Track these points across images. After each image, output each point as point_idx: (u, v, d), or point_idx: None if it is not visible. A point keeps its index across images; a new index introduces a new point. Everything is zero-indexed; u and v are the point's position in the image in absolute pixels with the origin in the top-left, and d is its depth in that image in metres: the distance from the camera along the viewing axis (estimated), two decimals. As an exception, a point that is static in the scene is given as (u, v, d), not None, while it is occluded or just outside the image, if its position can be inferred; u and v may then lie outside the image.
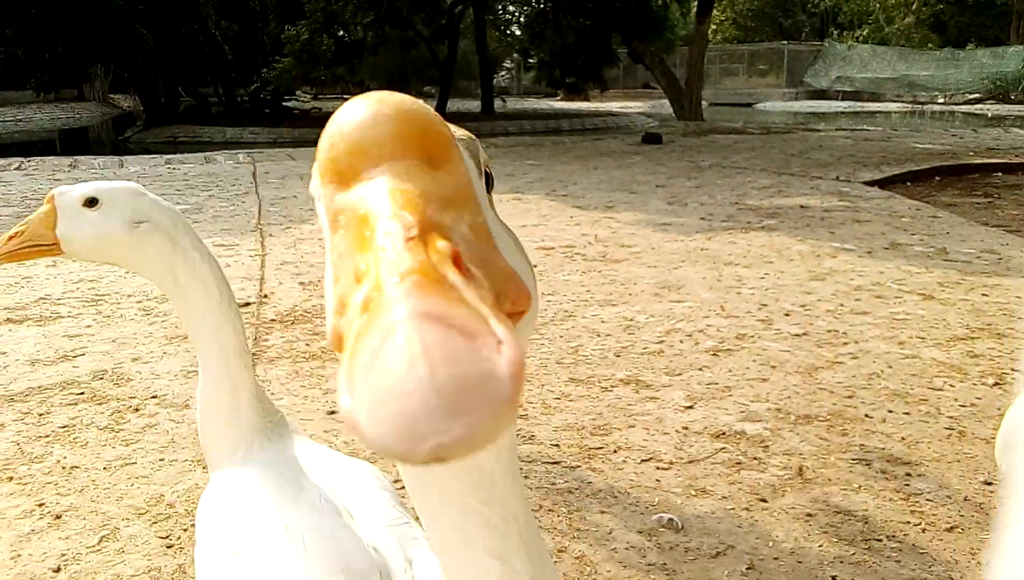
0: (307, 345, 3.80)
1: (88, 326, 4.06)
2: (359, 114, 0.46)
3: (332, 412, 3.08)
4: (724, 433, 2.91)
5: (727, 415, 3.05)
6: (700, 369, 3.47)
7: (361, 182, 0.43)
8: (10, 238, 1.15)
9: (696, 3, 20.68)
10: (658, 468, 2.66)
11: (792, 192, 8.39)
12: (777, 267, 5.26)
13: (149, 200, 1.22)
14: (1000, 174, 10.23)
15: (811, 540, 2.26)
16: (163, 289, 1.25)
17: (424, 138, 0.45)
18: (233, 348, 1.19)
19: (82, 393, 3.25)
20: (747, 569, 2.13)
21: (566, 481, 2.58)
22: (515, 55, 32.49)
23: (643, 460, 2.71)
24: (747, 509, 2.41)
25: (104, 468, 2.65)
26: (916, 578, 2.10)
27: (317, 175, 0.48)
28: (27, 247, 1.14)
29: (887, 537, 2.26)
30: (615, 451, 2.77)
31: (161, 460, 2.71)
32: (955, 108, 29.80)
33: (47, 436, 2.88)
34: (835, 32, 37.64)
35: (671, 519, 2.33)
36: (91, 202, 1.16)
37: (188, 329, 1.21)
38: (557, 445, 2.82)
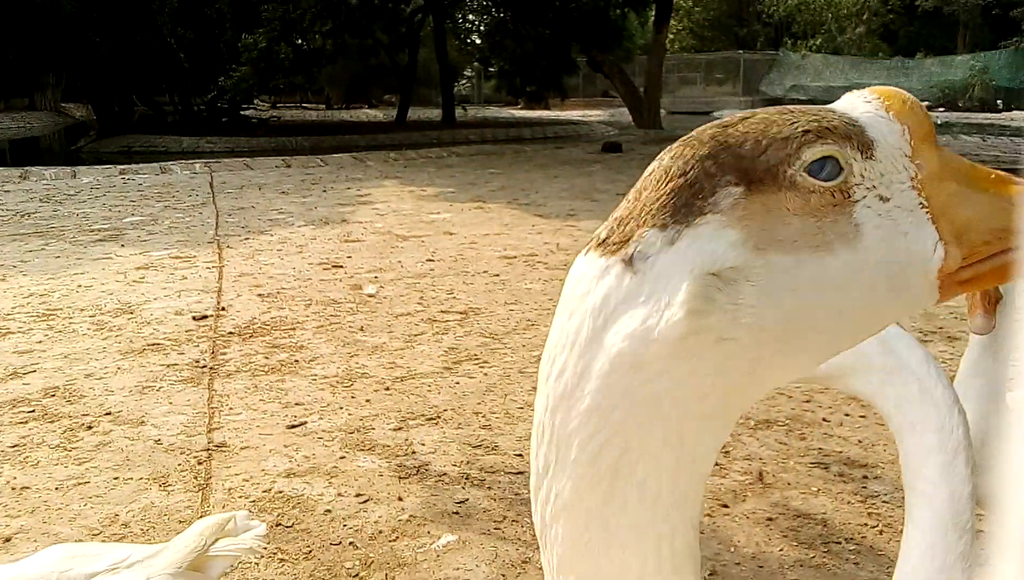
0: (266, 358, 3.74)
1: (39, 342, 3.95)
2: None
3: (292, 426, 3.04)
4: (686, 439, 2.93)
5: (688, 421, 3.08)
6: (661, 376, 3.50)
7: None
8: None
9: (654, 13, 20.97)
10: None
11: (749, 199, 8.54)
12: (735, 273, 5.35)
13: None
14: (948, 180, 10.52)
15: (772, 544, 2.29)
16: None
17: None
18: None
19: (33, 411, 3.16)
20: (709, 575, 2.15)
21: (529, 491, 2.58)
22: (475, 64, 32.55)
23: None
24: (709, 515, 2.44)
25: (56, 488, 2.58)
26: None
27: (833, 151, 0.49)
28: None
29: (846, 539, 2.31)
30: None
31: (115, 479, 2.64)
32: (904, 116, 30.58)
33: (-5, 457, 2.79)
34: (789, 42, 38.47)
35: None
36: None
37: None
38: (520, 455, 2.82)
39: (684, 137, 0.52)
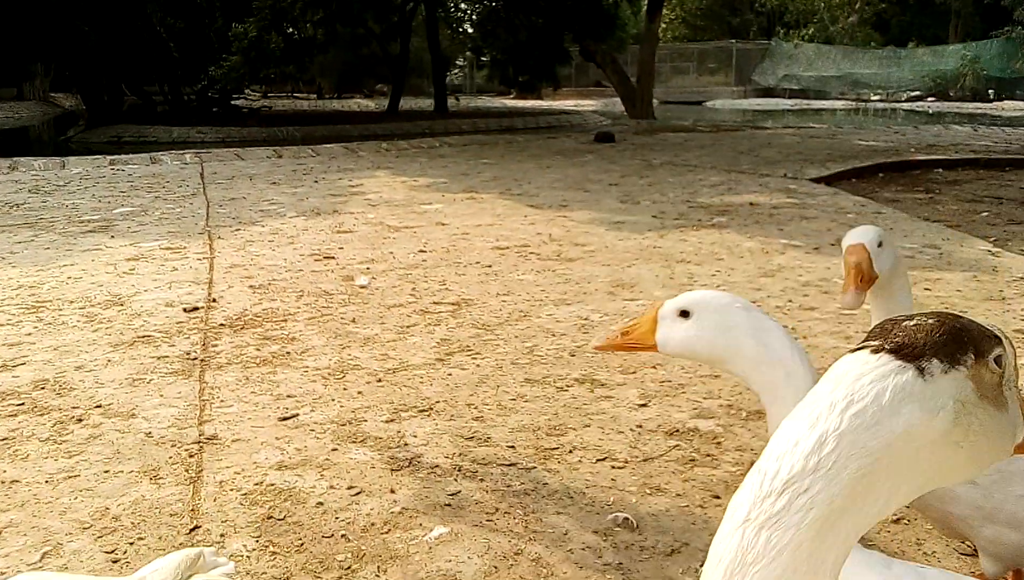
0: (257, 350, 3.73)
1: (28, 334, 3.92)
2: None
3: (284, 418, 3.03)
4: (678, 430, 2.94)
5: (680, 412, 3.09)
6: (653, 367, 3.51)
7: None
8: (623, 334, 1.40)
9: (646, 2, 20.90)
10: (613, 467, 2.68)
11: (742, 189, 8.54)
12: (728, 264, 5.35)
13: (739, 315, 1.35)
14: (940, 170, 10.57)
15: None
16: (753, 389, 1.38)
17: None
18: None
19: (22, 403, 3.14)
20: (702, 567, 2.16)
21: (522, 483, 2.58)
22: (468, 53, 32.40)
23: (598, 460, 2.73)
24: (701, 506, 2.45)
25: (46, 481, 2.57)
26: None
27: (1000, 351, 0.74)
28: (633, 345, 1.40)
29: (835, 529, 2.32)
30: (571, 451, 2.79)
31: (106, 472, 2.63)
32: (897, 105, 30.75)
33: (-16, 450, 2.77)
34: (782, 31, 38.43)
35: (626, 518, 2.35)
36: (684, 314, 1.35)
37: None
38: (513, 446, 2.82)
39: (941, 312, 0.75)
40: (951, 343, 0.70)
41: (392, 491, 2.53)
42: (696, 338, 1.35)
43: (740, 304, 1.38)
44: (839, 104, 31.63)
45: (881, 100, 32.28)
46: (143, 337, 3.89)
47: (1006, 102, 28.57)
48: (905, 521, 2.36)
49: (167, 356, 3.65)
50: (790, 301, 4.48)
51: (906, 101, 31.51)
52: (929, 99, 31.41)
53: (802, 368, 1.34)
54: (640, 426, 2.97)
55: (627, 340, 1.40)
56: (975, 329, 0.72)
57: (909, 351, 0.68)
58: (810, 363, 1.36)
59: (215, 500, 2.47)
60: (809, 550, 0.62)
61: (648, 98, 20.29)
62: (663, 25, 30.17)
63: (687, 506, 2.44)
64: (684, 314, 1.36)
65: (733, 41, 37.83)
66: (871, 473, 0.64)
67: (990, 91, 30.42)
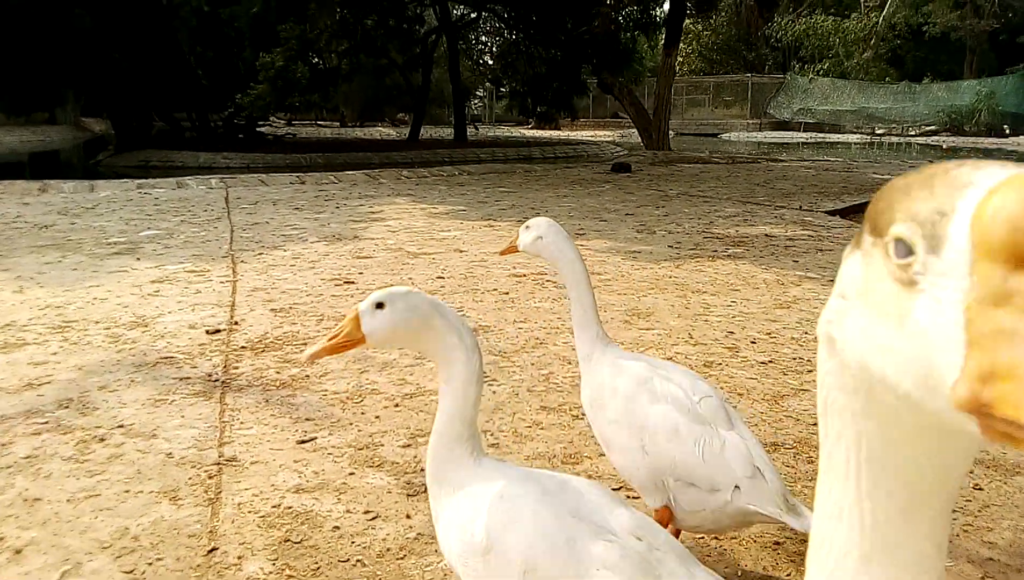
0: (277, 373, 3.78)
1: (54, 353, 4.00)
2: None
3: (302, 441, 3.06)
4: (693, 461, 2.94)
5: (696, 443, 3.08)
6: (670, 397, 3.51)
7: None
8: (331, 339, 1.56)
9: (664, 36, 21.13)
10: (628, 496, 2.68)
11: (757, 221, 8.56)
12: (743, 295, 5.36)
13: (420, 298, 1.58)
14: (958, 205, 10.52)
15: (779, 569, 2.29)
16: (436, 360, 1.61)
17: None
18: (471, 399, 1.59)
19: (46, 422, 3.19)
20: (716, 597, 2.15)
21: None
22: (487, 84, 32.81)
23: (614, 489, 2.73)
24: (716, 538, 2.44)
25: (68, 500, 2.61)
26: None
27: (905, 234, 0.52)
28: (343, 344, 1.57)
29: (852, 564, 2.30)
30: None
31: (127, 492, 2.67)
32: (912, 140, 30.72)
33: (9, 467, 2.82)
34: (797, 65, 38.64)
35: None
36: (379, 306, 1.56)
37: (442, 383, 1.61)
38: (529, 474, 2.83)
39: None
40: (864, 221, 0.58)
41: (408, 516, 2.55)
42: (393, 321, 1.55)
43: (418, 290, 1.61)
44: (854, 138, 31.67)
45: (896, 134, 32.26)
46: (166, 358, 3.95)
47: (1022, 137, 28.46)
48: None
49: (189, 378, 3.70)
50: (806, 333, 4.48)
51: (920, 136, 31.47)
52: (944, 134, 31.36)
53: (472, 340, 1.60)
54: (655, 456, 2.97)
55: (336, 342, 1.57)
56: (887, 195, 0.55)
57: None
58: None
59: (233, 522, 2.50)
60: None
61: (664, 129, 20.42)
62: (680, 59, 30.44)
63: (701, 538, 2.43)
64: (380, 306, 1.56)
65: (749, 75, 38.09)
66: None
67: (1005, 126, 30.35)
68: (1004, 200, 0.47)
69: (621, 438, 2.08)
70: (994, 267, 0.47)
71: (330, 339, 1.57)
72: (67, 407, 3.34)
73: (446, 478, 1.60)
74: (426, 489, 2.72)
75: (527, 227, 2.38)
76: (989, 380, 0.46)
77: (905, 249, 0.51)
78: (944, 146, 27.40)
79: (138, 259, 6.27)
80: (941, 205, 0.50)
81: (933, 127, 32.27)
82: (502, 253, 2.63)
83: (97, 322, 4.53)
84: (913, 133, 32.13)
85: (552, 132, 29.55)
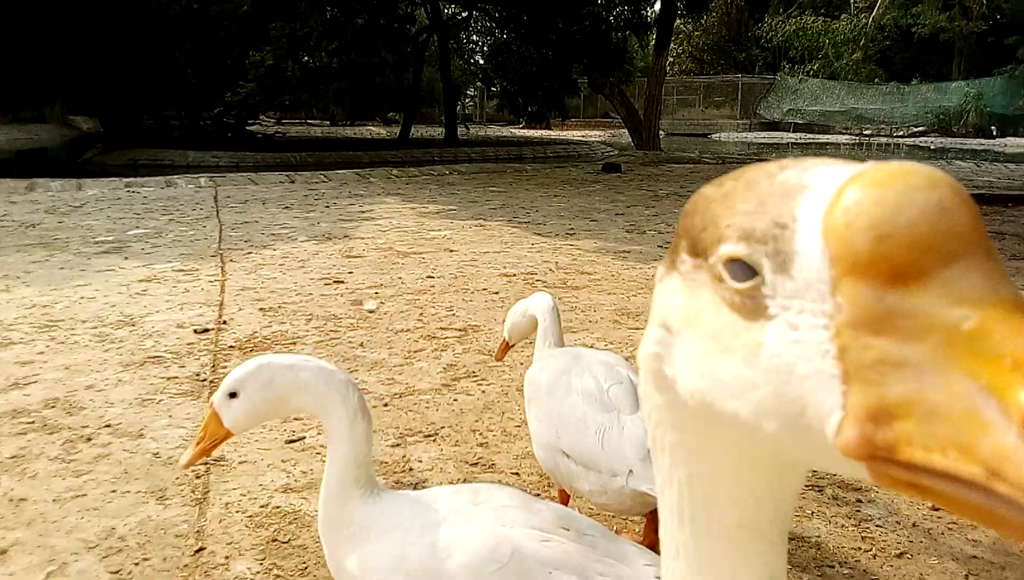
0: (266, 373, 3.76)
1: (40, 353, 3.97)
2: (920, 198, 0.40)
3: (290, 441, 3.05)
4: (682, 460, 2.95)
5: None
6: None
7: (929, 285, 0.39)
8: (198, 444, 1.56)
9: (654, 36, 21.18)
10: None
11: (748, 222, 8.58)
12: (733, 295, 5.38)
13: (271, 369, 1.54)
14: (945, 206, 10.58)
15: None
16: (314, 414, 1.57)
17: (981, 231, 0.41)
18: (360, 436, 1.54)
19: (32, 422, 3.17)
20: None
21: (526, 509, 2.59)
22: (478, 83, 32.80)
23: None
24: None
25: (54, 500, 2.59)
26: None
27: (743, 254, 0.44)
28: (211, 446, 1.57)
29: (839, 563, 2.32)
30: (575, 479, 2.79)
31: (113, 492, 2.65)
32: (900, 140, 30.93)
33: (-6, 467, 2.80)
34: (787, 66, 38.82)
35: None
36: (232, 395, 1.54)
37: (329, 433, 1.56)
38: (517, 473, 2.84)
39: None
40: (676, 238, 0.52)
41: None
42: (251, 406, 1.54)
43: (266, 360, 1.55)
44: (843, 138, 31.85)
45: (884, 135, 32.48)
46: (154, 358, 3.93)
47: (1009, 139, 28.70)
48: (908, 556, 2.36)
49: (177, 377, 3.68)
50: (795, 333, 4.50)
51: (909, 136, 31.69)
52: (932, 135, 31.59)
53: (342, 379, 1.54)
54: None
55: (205, 445, 1.56)
56: (705, 206, 0.48)
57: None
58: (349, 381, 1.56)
59: (220, 522, 2.49)
60: None
61: (655, 130, 20.47)
62: (670, 59, 30.54)
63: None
64: (233, 395, 1.53)
65: (739, 75, 38.24)
66: None
67: (993, 128, 30.59)
68: (858, 202, 0.40)
69: (540, 432, 2.22)
70: (862, 285, 0.40)
71: (197, 443, 1.57)
72: (53, 407, 3.32)
73: (352, 521, 1.53)
74: (415, 487, 2.74)
75: (504, 322, 2.68)
76: (883, 420, 0.38)
77: (744, 271, 0.44)
78: (932, 147, 27.60)
79: (126, 258, 6.24)
80: (778, 215, 0.43)
81: (921, 128, 32.49)
82: (499, 358, 2.80)
83: (84, 321, 4.51)
84: (901, 134, 32.35)
85: (543, 132, 29.57)
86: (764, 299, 0.43)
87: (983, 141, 28.84)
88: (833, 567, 2.30)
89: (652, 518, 2.27)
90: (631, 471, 1.99)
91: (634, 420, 2.06)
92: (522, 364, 3.91)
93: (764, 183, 0.45)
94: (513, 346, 2.70)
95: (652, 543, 2.30)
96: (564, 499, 2.33)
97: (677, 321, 0.50)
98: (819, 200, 0.42)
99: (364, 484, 1.53)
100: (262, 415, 1.56)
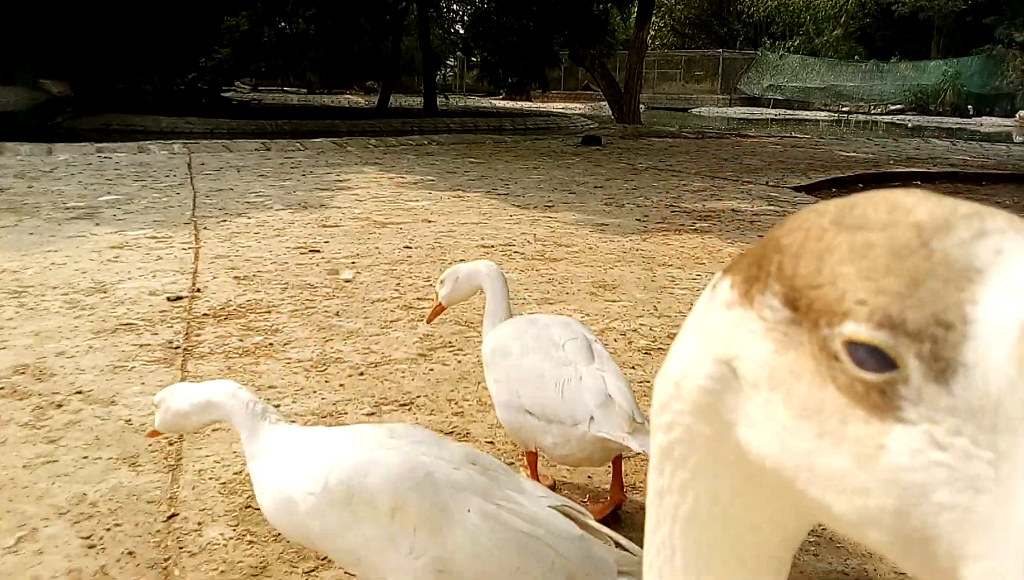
0: (240, 340, 3.74)
1: (9, 319, 3.91)
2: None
3: (265, 409, 3.04)
4: (654, 430, 2.98)
5: (658, 412, 3.13)
6: (633, 367, 3.56)
7: None
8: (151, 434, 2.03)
9: (636, 9, 21.03)
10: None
11: (725, 196, 8.63)
12: (709, 268, 5.42)
13: (176, 398, 1.86)
14: (918, 182, 10.73)
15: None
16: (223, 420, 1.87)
17: None
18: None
19: (1, 388, 3.13)
20: (672, 560, 2.20)
21: (500, 477, 2.61)
22: (458, 53, 32.42)
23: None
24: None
25: (24, 466, 2.57)
26: (833, 571, 2.20)
27: (883, 343, 0.35)
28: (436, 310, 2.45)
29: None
30: (549, 447, 2.82)
31: (84, 458, 2.64)
32: (878, 118, 31.15)
33: (-38, 433, 2.76)
34: (768, 42, 38.81)
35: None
36: (442, 282, 2.38)
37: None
38: (492, 442, 2.86)
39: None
40: (754, 264, 0.44)
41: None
42: (172, 419, 1.86)
43: (179, 394, 1.86)
44: (822, 115, 32.01)
45: (862, 112, 32.70)
46: (126, 325, 3.89)
47: (985, 118, 29.03)
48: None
49: (149, 344, 3.65)
50: (769, 307, 4.55)
51: (887, 114, 31.94)
52: (909, 112, 31.85)
53: (230, 389, 1.82)
54: (617, 425, 3.01)
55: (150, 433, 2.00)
56: (818, 251, 0.39)
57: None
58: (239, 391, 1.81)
59: (193, 488, 2.48)
60: None
61: (635, 103, 20.40)
62: (651, 32, 30.35)
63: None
64: (157, 406, 1.91)
65: (720, 50, 38.17)
66: None
67: (969, 107, 30.91)
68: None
69: (501, 394, 2.28)
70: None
71: (149, 435, 2.02)
72: (23, 373, 3.28)
73: (260, 447, 1.73)
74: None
75: (441, 282, 2.61)
76: None
77: (875, 359, 0.35)
78: (909, 125, 27.83)
79: (97, 224, 6.13)
80: (941, 310, 0.33)
81: (899, 106, 32.74)
82: (429, 321, 2.84)
83: (55, 288, 4.44)
84: (879, 112, 32.57)
85: (523, 103, 29.37)
86: (900, 400, 0.35)
87: (959, 120, 29.15)
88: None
89: (617, 470, 2.35)
90: (592, 418, 2.05)
91: (590, 370, 2.14)
92: (498, 334, 3.93)
93: (918, 253, 0.35)
94: (445, 310, 2.71)
95: (620, 501, 2.34)
96: (532, 460, 2.39)
97: (753, 372, 0.41)
98: (1006, 304, 0.32)
99: (262, 416, 1.77)
100: (185, 425, 1.91)
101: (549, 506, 1.59)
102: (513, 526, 1.50)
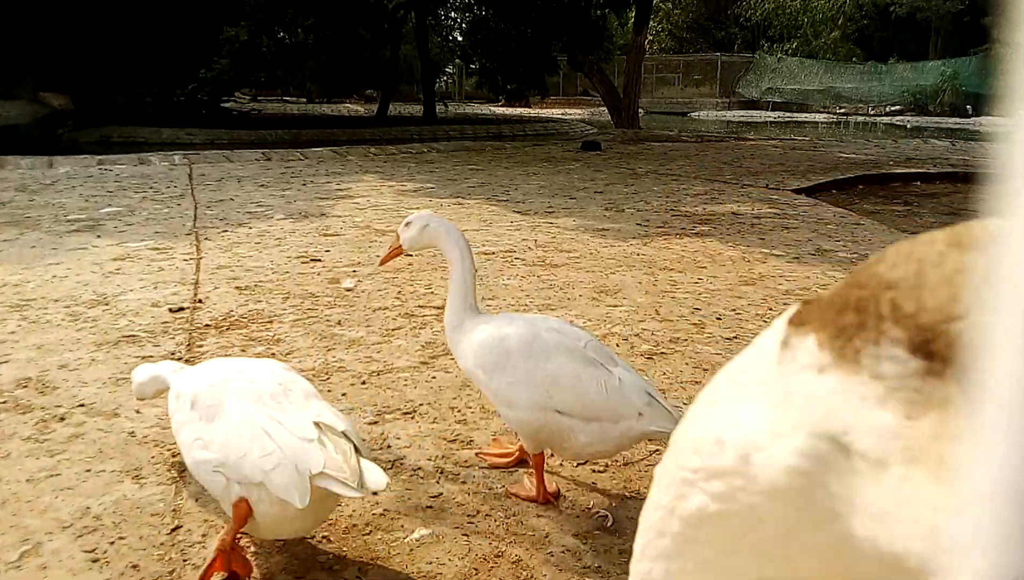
0: (242, 351, 3.74)
1: (12, 332, 3.91)
2: None
3: (268, 419, 3.04)
4: (658, 435, 2.98)
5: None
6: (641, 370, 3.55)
7: None
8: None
9: (634, 14, 21.08)
10: (594, 471, 2.72)
11: (724, 199, 8.63)
12: (709, 272, 5.42)
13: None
14: (919, 183, 10.74)
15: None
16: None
17: None
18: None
19: (4, 402, 3.13)
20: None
21: (503, 486, 2.61)
22: (457, 60, 32.51)
23: (579, 464, 2.76)
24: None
25: (27, 480, 2.57)
26: None
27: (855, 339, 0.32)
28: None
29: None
30: (551, 454, 2.82)
31: (88, 471, 2.63)
32: (877, 119, 31.17)
33: (-35, 448, 2.76)
34: (765, 45, 38.87)
35: (605, 516, 2.39)
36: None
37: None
38: (495, 449, 2.85)
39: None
40: (851, 309, 0.35)
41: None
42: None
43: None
44: (820, 117, 32.04)
45: (861, 114, 32.73)
46: (128, 337, 3.89)
47: (983, 118, 29.03)
48: None
49: (152, 356, 3.65)
50: (771, 309, 4.55)
51: (886, 115, 31.96)
52: (908, 113, 31.87)
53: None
54: (621, 431, 3.01)
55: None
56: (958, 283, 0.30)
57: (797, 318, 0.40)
58: None
59: (197, 500, 2.48)
60: None
61: (634, 108, 20.43)
62: (649, 37, 30.43)
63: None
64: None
65: (718, 54, 38.27)
66: None
67: (968, 107, 30.91)
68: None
69: (523, 396, 2.29)
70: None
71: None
72: (26, 386, 3.28)
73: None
74: (393, 464, 2.75)
75: (407, 224, 2.57)
76: None
77: None
78: (908, 126, 27.84)
79: (99, 236, 6.14)
80: None
81: (898, 107, 32.77)
82: (383, 262, 2.82)
83: (57, 300, 4.44)
84: (877, 113, 32.59)
85: (522, 110, 29.43)
86: None
87: (958, 120, 29.15)
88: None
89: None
90: (640, 414, 2.23)
91: (623, 371, 2.31)
92: (500, 341, 3.92)
93: None
94: (402, 255, 2.72)
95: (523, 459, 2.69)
96: (539, 461, 2.44)
97: (878, 447, 0.32)
98: None
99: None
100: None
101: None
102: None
